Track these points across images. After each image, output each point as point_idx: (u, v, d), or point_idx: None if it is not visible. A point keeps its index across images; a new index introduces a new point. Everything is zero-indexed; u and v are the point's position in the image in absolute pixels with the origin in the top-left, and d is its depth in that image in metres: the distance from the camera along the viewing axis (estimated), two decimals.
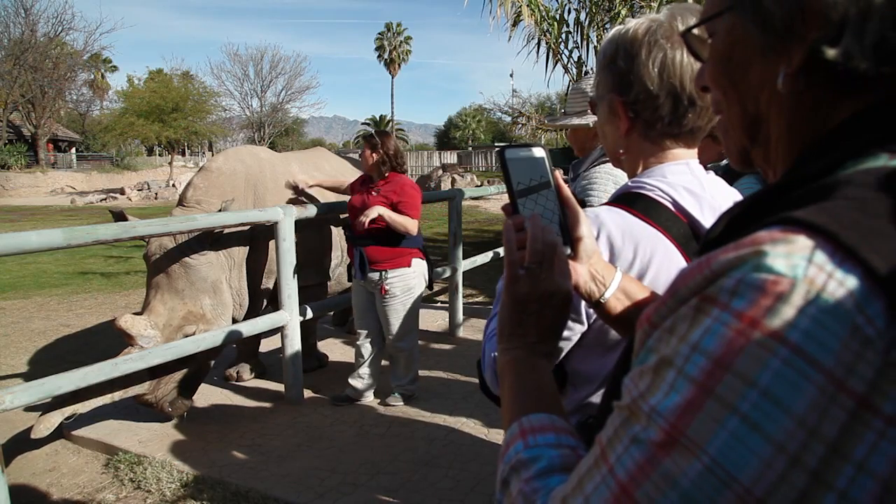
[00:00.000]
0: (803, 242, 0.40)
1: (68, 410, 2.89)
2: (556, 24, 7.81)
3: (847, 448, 0.37)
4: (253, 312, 3.90)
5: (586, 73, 7.65)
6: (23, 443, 3.33)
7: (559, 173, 0.76)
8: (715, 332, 0.41)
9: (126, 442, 3.29)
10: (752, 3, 0.51)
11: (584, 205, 1.12)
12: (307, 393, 3.91)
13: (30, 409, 3.52)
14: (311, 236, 4.03)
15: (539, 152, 0.74)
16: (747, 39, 0.53)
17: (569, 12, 7.95)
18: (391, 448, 3.21)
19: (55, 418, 2.85)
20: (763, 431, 0.38)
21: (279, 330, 3.75)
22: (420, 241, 3.64)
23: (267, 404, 3.81)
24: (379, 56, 56.08)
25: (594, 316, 0.92)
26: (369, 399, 3.81)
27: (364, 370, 3.74)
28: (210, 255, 3.47)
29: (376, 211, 3.40)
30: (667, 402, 0.42)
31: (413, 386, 3.80)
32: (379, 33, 56.08)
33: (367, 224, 3.41)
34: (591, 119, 1.99)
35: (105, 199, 22.28)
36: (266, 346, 4.58)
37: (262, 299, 4.02)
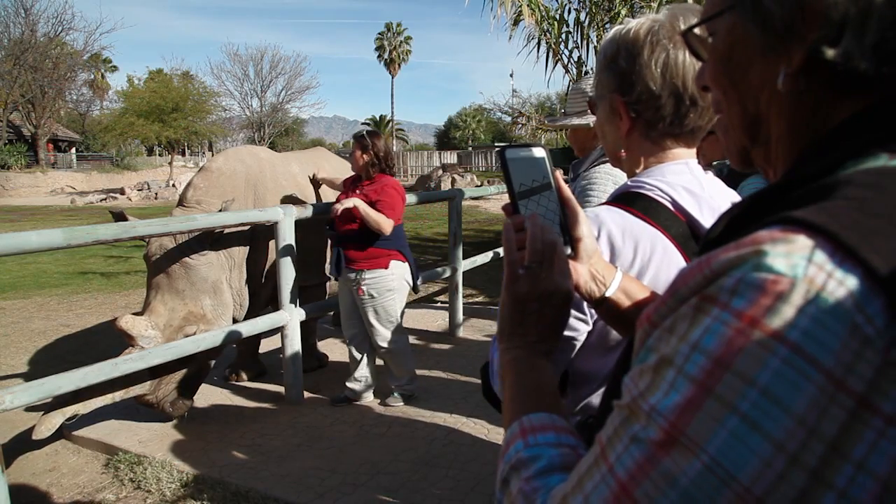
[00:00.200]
0: (803, 242, 0.40)
1: (69, 411, 2.89)
2: (556, 23, 7.81)
3: (847, 447, 0.37)
4: (253, 313, 3.90)
5: (586, 73, 7.65)
6: (23, 443, 3.33)
7: (559, 173, 0.76)
8: (715, 331, 0.41)
9: (126, 442, 3.29)
10: (753, 3, 0.51)
11: (582, 205, 1.12)
12: (307, 393, 3.91)
13: (30, 409, 3.52)
14: (311, 236, 4.03)
15: (539, 152, 0.74)
16: (747, 39, 0.53)
17: (569, 12, 7.96)
18: (391, 448, 3.21)
19: (56, 419, 2.85)
20: (763, 430, 0.38)
21: (279, 330, 3.75)
22: (400, 244, 3.60)
23: (267, 404, 3.81)
24: (379, 56, 56.08)
25: (595, 316, 0.92)
26: (369, 399, 3.81)
27: (360, 372, 3.74)
28: (210, 256, 3.47)
29: (352, 201, 3.41)
30: (667, 402, 0.42)
31: (412, 385, 3.79)
32: (379, 33, 56.13)
33: (339, 211, 3.41)
34: (590, 119, 1.99)
35: (105, 199, 22.28)
36: (266, 346, 4.58)
37: (263, 299, 4.02)
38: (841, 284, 0.39)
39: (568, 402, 0.97)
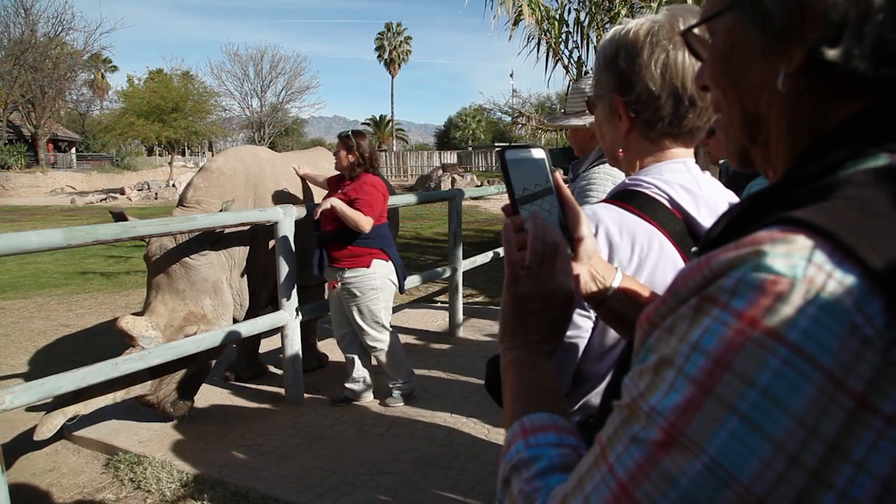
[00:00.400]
0: (803, 242, 0.40)
1: (71, 411, 2.89)
2: (556, 23, 7.82)
3: (846, 447, 0.37)
4: (253, 313, 3.90)
5: (586, 72, 7.65)
6: (23, 443, 3.33)
7: (559, 174, 0.76)
8: (714, 331, 0.41)
9: (126, 442, 3.29)
10: (752, 3, 0.51)
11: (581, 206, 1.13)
12: (307, 393, 3.91)
13: (31, 409, 3.52)
14: (311, 236, 4.03)
15: (539, 153, 0.74)
16: (747, 39, 0.53)
17: (569, 12, 7.97)
18: (391, 448, 3.21)
19: (58, 420, 2.85)
20: (762, 431, 0.38)
21: (279, 330, 3.76)
22: (383, 242, 3.58)
23: (267, 404, 3.81)
24: (379, 56, 56.09)
25: (594, 315, 0.92)
26: (369, 399, 3.81)
27: (357, 373, 3.74)
28: (210, 256, 3.47)
29: (330, 201, 3.41)
30: (666, 402, 0.42)
31: (410, 383, 3.77)
32: (379, 33, 56.13)
33: (317, 213, 3.44)
34: (589, 120, 1.99)
35: (105, 199, 22.28)
36: (266, 346, 4.58)
37: (263, 299, 4.02)
38: (840, 285, 0.39)
39: (567, 402, 0.98)
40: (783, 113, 0.52)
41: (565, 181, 0.78)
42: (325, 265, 3.55)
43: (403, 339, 5.05)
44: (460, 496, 2.75)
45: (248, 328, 3.53)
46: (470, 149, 41.73)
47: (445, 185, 20.42)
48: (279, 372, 4.14)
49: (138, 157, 36.31)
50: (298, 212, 3.68)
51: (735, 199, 1.02)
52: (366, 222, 3.42)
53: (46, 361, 4.75)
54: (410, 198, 5.19)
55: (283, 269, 3.65)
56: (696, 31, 0.62)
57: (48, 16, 43.68)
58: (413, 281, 4.92)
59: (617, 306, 0.79)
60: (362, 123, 62.69)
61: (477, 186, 18.20)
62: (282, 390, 3.89)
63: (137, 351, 3.00)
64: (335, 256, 3.51)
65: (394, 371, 3.71)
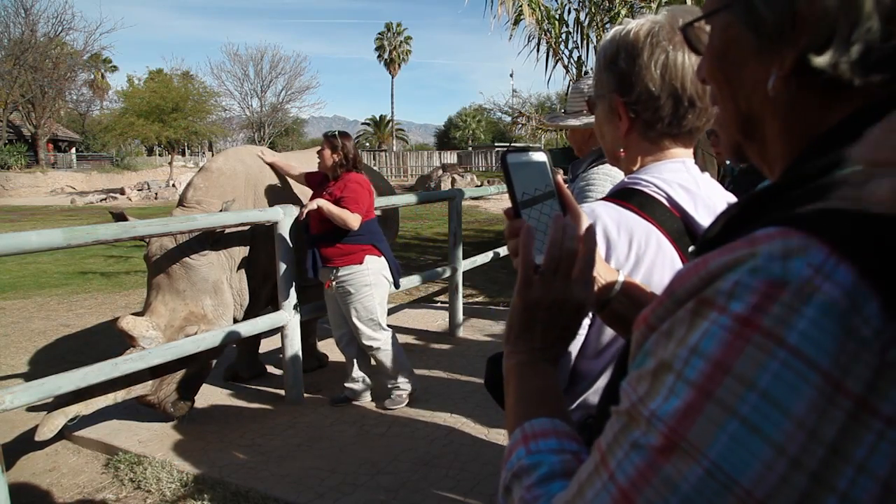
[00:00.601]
0: (799, 243, 0.40)
1: (72, 412, 2.89)
2: (556, 23, 7.83)
3: (847, 449, 0.37)
4: (253, 312, 3.90)
5: (586, 73, 7.66)
6: (23, 443, 3.33)
7: (560, 178, 0.76)
8: (713, 335, 0.41)
9: (126, 442, 3.29)
10: (746, 6, 0.51)
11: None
12: (307, 393, 3.91)
13: (31, 409, 3.52)
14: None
15: (541, 157, 0.74)
16: (741, 39, 0.53)
17: (569, 12, 7.98)
18: (391, 448, 3.21)
19: (59, 420, 2.85)
20: (763, 434, 0.38)
21: (279, 330, 3.76)
22: (374, 238, 3.58)
23: (267, 404, 3.82)
24: (379, 56, 56.08)
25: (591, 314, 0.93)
26: (368, 399, 3.80)
27: (356, 373, 3.74)
28: (211, 256, 3.47)
29: (315, 203, 3.42)
30: (666, 407, 0.42)
31: (409, 384, 3.73)
32: (379, 33, 56.10)
33: (303, 215, 3.45)
34: (588, 120, 1.99)
35: (105, 199, 22.28)
36: (266, 346, 4.58)
37: (263, 299, 4.02)
38: (837, 285, 0.39)
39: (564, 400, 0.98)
40: (777, 114, 0.53)
41: (564, 181, 0.78)
42: (319, 266, 3.55)
43: (403, 338, 5.05)
44: (460, 496, 2.75)
45: (248, 328, 3.53)
46: (470, 149, 41.76)
47: (445, 185, 20.42)
48: (279, 372, 4.14)
49: (138, 157, 36.31)
50: (298, 212, 3.68)
51: (734, 199, 1.03)
52: (353, 219, 3.42)
53: (46, 361, 4.75)
54: (410, 198, 5.20)
55: (283, 268, 3.66)
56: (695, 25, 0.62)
57: (48, 16, 43.73)
58: (413, 281, 4.92)
59: (619, 308, 0.79)
60: (362, 123, 62.69)
61: (477, 186, 18.20)
62: (282, 390, 3.89)
63: (138, 351, 3.00)
64: (327, 256, 3.51)
65: (393, 371, 3.68)
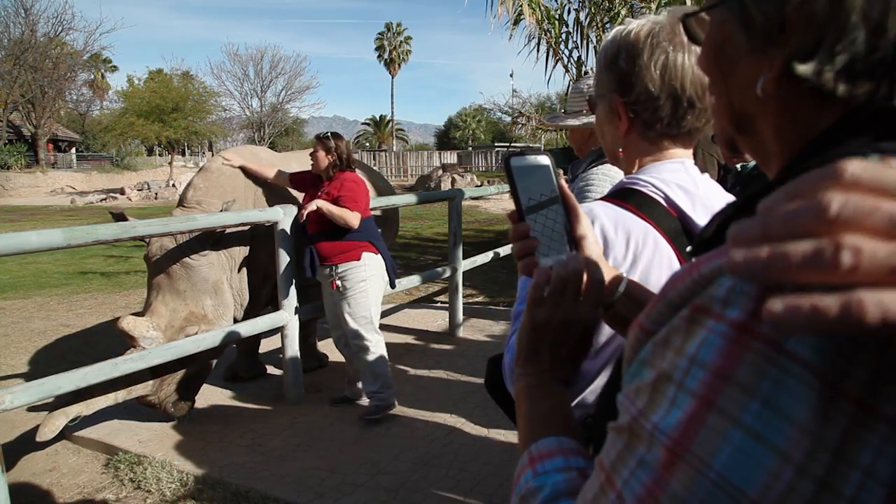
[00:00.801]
0: None
1: (73, 412, 2.89)
2: (556, 23, 7.83)
3: (852, 454, 0.37)
4: (253, 312, 3.90)
5: (586, 72, 7.66)
6: (23, 442, 3.33)
7: (563, 181, 0.76)
8: (712, 343, 0.40)
9: (126, 442, 3.29)
10: (739, 4, 0.51)
11: None
12: (307, 393, 3.91)
13: (32, 409, 3.52)
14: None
15: (544, 160, 0.74)
16: (735, 36, 0.53)
17: (569, 12, 7.98)
18: (391, 448, 3.21)
19: (60, 420, 2.85)
20: (768, 442, 0.37)
21: (279, 330, 3.76)
22: (371, 236, 3.57)
23: (267, 404, 3.82)
24: (379, 56, 56.07)
25: None
26: (367, 399, 3.80)
27: (355, 374, 3.74)
28: (211, 256, 3.47)
29: (315, 204, 3.41)
30: (669, 419, 0.41)
31: (385, 394, 3.52)
32: (379, 33, 56.09)
33: (303, 216, 3.44)
34: (587, 120, 1.99)
35: (105, 199, 22.28)
36: (266, 346, 4.58)
37: (263, 299, 4.02)
38: None
39: None
40: (769, 113, 0.53)
41: (565, 181, 0.78)
42: (317, 265, 3.55)
43: (403, 338, 5.07)
44: (460, 496, 2.75)
45: (248, 328, 3.53)
46: (470, 149, 41.76)
47: (445, 185, 20.42)
48: (279, 372, 4.14)
49: (138, 157, 36.31)
50: (298, 212, 3.68)
51: (733, 199, 1.03)
52: (353, 217, 3.43)
53: (46, 361, 4.76)
54: (410, 198, 5.20)
55: (283, 268, 3.66)
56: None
57: (48, 16, 43.74)
58: (413, 281, 4.92)
59: (622, 310, 0.79)
60: (362, 123, 62.71)
61: (477, 186, 18.20)
62: (282, 390, 3.89)
63: (138, 351, 3.00)
64: (325, 255, 3.51)
65: (372, 376, 3.52)
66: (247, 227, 3.67)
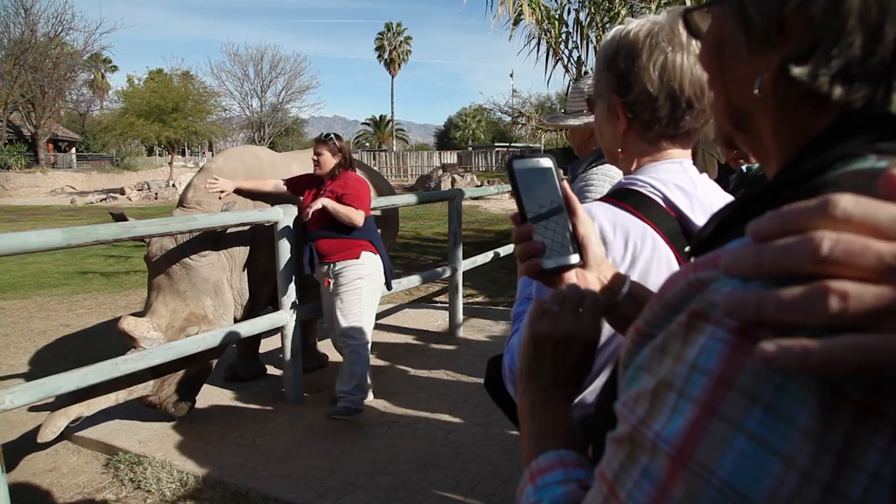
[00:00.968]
0: None
1: (74, 413, 2.89)
2: (556, 23, 7.83)
3: (857, 457, 0.36)
4: (254, 312, 3.91)
5: (586, 72, 7.66)
6: (23, 443, 3.33)
7: (566, 184, 0.76)
8: (711, 349, 0.40)
9: (126, 442, 3.29)
10: (738, 4, 0.51)
11: None
12: (307, 393, 3.91)
13: (32, 409, 3.52)
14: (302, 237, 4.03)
15: (546, 163, 0.73)
16: (734, 35, 0.53)
17: (569, 12, 7.98)
18: (391, 448, 3.21)
19: (61, 421, 2.85)
20: (772, 448, 0.37)
21: (279, 330, 3.76)
22: (371, 235, 3.59)
23: (267, 404, 3.82)
24: (379, 56, 56.08)
25: None
26: (369, 399, 3.80)
27: None
28: (211, 256, 3.47)
29: (320, 202, 3.43)
30: (671, 427, 0.40)
31: (356, 398, 3.43)
32: (379, 33, 56.10)
33: (309, 215, 3.45)
34: (587, 120, 1.99)
35: (105, 199, 22.28)
36: (266, 346, 4.58)
37: (263, 299, 4.02)
38: None
39: None
40: (767, 112, 0.53)
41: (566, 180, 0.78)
42: (316, 263, 3.56)
43: (403, 338, 5.07)
44: (460, 496, 2.75)
45: (248, 328, 3.53)
46: (470, 149, 41.76)
47: (445, 185, 20.42)
48: (279, 372, 4.14)
49: (138, 157, 36.29)
50: (298, 212, 3.68)
51: (732, 199, 1.03)
52: (359, 216, 3.45)
53: (46, 361, 4.76)
54: (410, 198, 5.20)
55: (283, 268, 3.66)
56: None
57: (48, 16, 43.64)
58: (413, 281, 4.92)
59: (626, 311, 0.79)
60: (362, 123, 62.72)
61: (477, 186, 18.20)
62: (282, 390, 3.89)
63: (138, 351, 3.00)
64: (324, 252, 3.52)
65: (349, 376, 3.46)
66: (247, 228, 3.67)
